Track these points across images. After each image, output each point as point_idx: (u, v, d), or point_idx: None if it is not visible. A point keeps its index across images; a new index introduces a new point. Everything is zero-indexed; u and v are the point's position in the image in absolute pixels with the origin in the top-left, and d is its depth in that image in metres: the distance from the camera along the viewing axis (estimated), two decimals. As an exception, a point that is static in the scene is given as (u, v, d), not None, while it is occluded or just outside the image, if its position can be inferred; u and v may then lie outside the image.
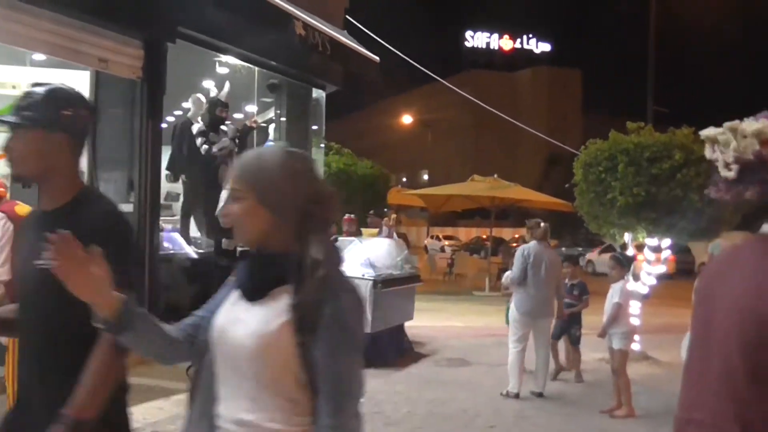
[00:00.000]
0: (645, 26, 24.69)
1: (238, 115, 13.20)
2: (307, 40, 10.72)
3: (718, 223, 10.39)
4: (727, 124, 2.35)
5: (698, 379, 2.36)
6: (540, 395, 8.48)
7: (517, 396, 8.33)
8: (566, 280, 9.52)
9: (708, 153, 2.43)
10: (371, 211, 14.19)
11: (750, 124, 2.27)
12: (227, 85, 9.36)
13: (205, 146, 10.04)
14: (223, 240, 7.92)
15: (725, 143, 2.36)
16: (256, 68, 12.24)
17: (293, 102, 13.59)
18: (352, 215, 12.08)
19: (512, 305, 8.69)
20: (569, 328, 9.52)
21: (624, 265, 8.39)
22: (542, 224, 8.93)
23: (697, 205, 9.74)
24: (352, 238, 10.79)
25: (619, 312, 7.96)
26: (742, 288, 2.23)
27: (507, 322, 9.36)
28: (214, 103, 10.35)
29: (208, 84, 10.57)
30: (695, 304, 2.50)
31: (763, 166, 2.23)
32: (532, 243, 8.74)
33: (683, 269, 26.95)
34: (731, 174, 2.32)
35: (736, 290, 2.25)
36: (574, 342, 9.54)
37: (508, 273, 9.61)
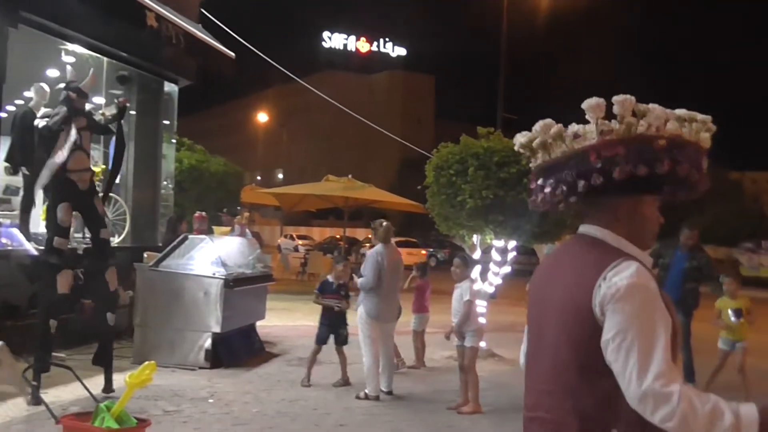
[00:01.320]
0: (497, 37, 25.54)
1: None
2: (160, 31, 10.44)
3: (561, 226, 10.84)
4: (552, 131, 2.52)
5: (536, 378, 2.48)
6: (389, 393, 8.56)
7: (377, 398, 8.33)
8: (330, 279, 9.26)
9: (540, 157, 2.56)
10: (224, 210, 13.95)
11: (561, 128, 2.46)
12: (91, 72, 8.87)
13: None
14: (55, 238, 7.49)
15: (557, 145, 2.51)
16: (105, 58, 11.79)
17: (144, 95, 13.19)
18: (204, 213, 11.84)
19: (361, 309, 8.63)
20: (336, 329, 9.09)
21: (468, 265, 8.52)
22: (384, 224, 8.86)
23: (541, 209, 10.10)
24: (203, 236, 10.56)
25: (471, 310, 8.12)
26: (565, 285, 2.38)
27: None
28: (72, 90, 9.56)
29: (65, 70, 9.90)
30: (529, 305, 2.63)
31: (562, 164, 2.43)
32: (380, 246, 8.73)
33: (529, 270, 27.96)
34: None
35: (561, 287, 2.39)
36: (342, 342, 9.13)
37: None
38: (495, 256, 11.30)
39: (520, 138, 2.56)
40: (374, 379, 8.40)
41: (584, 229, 2.49)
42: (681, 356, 9.18)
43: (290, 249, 44.31)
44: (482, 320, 11.00)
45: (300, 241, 54.21)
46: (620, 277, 2.21)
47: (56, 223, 7.54)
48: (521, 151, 2.60)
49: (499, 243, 11.13)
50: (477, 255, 11.41)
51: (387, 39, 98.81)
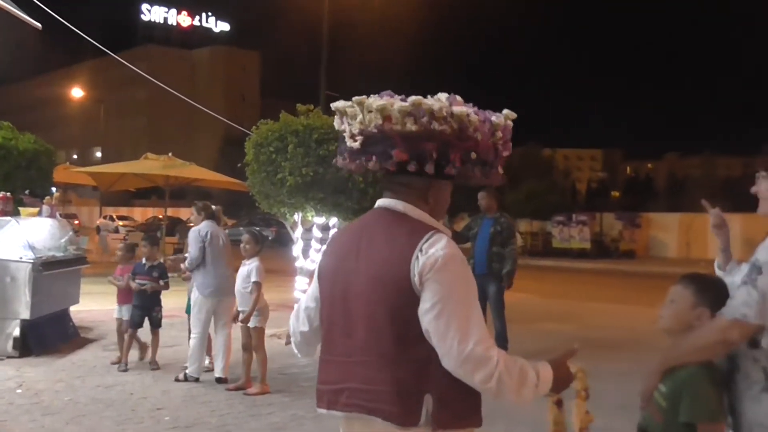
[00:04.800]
0: (321, 15, 25.53)
1: None
2: (-46, -1, 9.73)
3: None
4: (355, 99, 2.55)
5: (344, 351, 2.53)
6: (222, 381, 8.11)
7: (197, 380, 8.15)
8: (143, 261, 9.11)
9: (337, 124, 2.63)
10: (26, 191, 13.21)
11: (375, 100, 2.48)
12: None
13: None
14: None
15: (353, 116, 2.55)
16: None
17: (-61, 68, 12.27)
18: (8, 193, 11.17)
19: (194, 289, 8.40)
20: (149, 311, 8.95)
21: (259, 241, 8.22)
22: (214, 207, 8.80)
23: (361, 186, 10.25)
24: (8, 218, 9.97)
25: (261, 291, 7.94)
26: (379, 258, 2.44)
27: (188, 311, 8.89)
28: None
29: None
30: (325, 280, 2.66)
31: (384, 139, 2.46)
32: (206, 222, 8.56)
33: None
34: (356, 145, 2.53)
35: (373, 261, 2.45)
36: (156, 325, 9.01)
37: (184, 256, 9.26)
38: (316, 233, 11.37)
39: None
40: (198, 359, 8.24)
41: (386, 203, 2.58)
42: (494, 324, 9.58)
43: (110, 230, 42.81)
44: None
45: (121, 222, 52.48)
46: (436, 248, 2.33)
47: None
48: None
49: (320, 220, 11.20)
50: (299, 233, 11.44)
51: (209, 13, 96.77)
